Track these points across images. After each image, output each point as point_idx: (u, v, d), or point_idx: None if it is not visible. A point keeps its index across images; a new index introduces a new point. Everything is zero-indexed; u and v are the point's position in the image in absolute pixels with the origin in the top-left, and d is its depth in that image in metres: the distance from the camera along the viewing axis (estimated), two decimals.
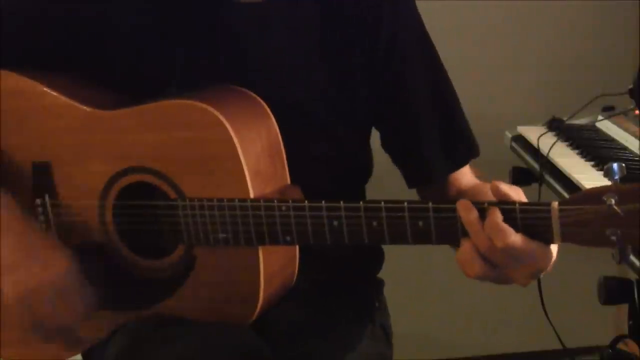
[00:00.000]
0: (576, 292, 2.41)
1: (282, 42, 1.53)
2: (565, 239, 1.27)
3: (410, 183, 1.63)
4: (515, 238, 1.27)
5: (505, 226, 1.27)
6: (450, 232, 1.31)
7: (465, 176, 1.63)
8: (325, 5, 1.54)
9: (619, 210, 1.23)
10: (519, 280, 1.32)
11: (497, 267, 1.30)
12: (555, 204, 1.27)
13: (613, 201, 1.23)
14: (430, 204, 1.32)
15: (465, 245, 1.30)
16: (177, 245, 1.46)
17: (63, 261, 1.44)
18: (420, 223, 1.32)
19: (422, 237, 1.33)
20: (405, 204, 1.33)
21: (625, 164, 1.92)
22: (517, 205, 1.28)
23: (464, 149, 1.63)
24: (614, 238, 1.24)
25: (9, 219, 1.45)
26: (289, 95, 1.52)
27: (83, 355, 1.64)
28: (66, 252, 1.45)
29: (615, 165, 1.26)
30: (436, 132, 1.60)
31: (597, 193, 1.25)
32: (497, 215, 1.28)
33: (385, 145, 1.63)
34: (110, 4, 1.52)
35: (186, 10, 1.52)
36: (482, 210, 1.29)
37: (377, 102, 1.57)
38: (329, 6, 1.54)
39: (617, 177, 1.26)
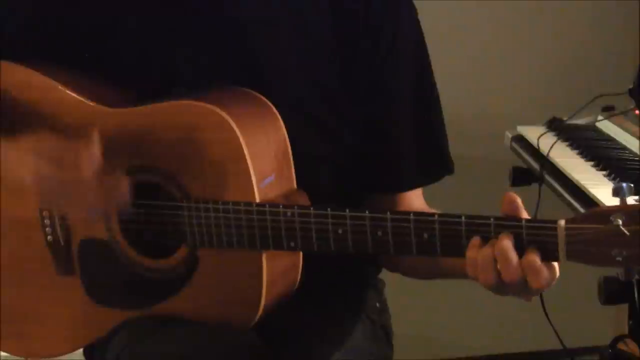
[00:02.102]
0: (576, 292, 2.40)
1: (288, 40, 1.53)
2: (571, 257, 1.27)
3: (372, 188, 1.59)
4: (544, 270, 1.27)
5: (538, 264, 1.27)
6: (456, 245, 1.31)
7: (419, 199, 1.62)
8: (332, 3, 1.53)
9: (625, 232, 1.23)
10: (523, 296, 1.33)
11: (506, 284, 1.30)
12: (562, 222, 1.27)
13: (620, 222, 1.23)
14: (436, 216, 1.32)
15: (488, 250, 1.30)
16: (181, 246, 1.45)
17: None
18: (425, 234, 1.32)
19: (427, 249, 1.33)
20: (411, 215, 1.33)
21: (625, 164, 1.94)
22: (523, 222, 1.28)
23: (437, 165, 1.61)
24: (619, 259, 1.24)
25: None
26: (293, 94, 1.52)
27: (84, 354, 1.64)
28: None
29: (624, 185, 1.26)
30: (413, 143, 1.58)
31: (605, 213, 1.25)
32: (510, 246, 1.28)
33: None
34: (115, 1, 1.51)
35: (190, 7, 1.51)
36: (488, 232, 1.29)
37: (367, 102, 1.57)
38: (336, 7, 1.53)
39: (626, 197, 1.26)
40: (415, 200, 1.61)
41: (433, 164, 1.61)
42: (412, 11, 1.58)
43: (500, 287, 1.31)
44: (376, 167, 1.58)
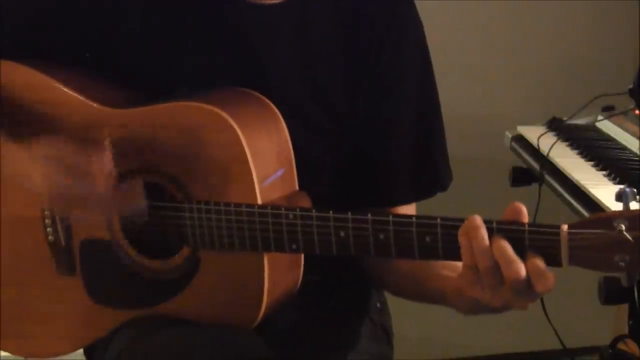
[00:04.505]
0: (576, 292, 2.41)
1: (290, 46, 1.52)
2: (573, 262, 1.26)
3: (362, 202, 1.53)
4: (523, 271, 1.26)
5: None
6: (458, 248, 1.29)
7: (411, 213, 1.59)
8: (337, 13, 1.53)
9: (629, 237, 1.22)
10: (518, 305, 1.32)
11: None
12: (564, 227, 1.25)
13: (623, 227, 1.22)
14: (438, 220, 1.31)
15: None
16: (183, 247, 1.46)
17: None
18: (428, 238, 1.31)
19: (428, 253, 1.32)
20: (414, 218, 1.32)
21: (625, 164, 1.94)
22: (525, 226, 1.27)
23: (430, 181, 1.59)
24: (622, 264, 1.23)
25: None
26: (294, 97, 1.52)
27: (85, 354, 1.64)
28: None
29: (628, 190, 1.25)
30: (409, 159, 1.57)
31: (608, 218, 1.23)
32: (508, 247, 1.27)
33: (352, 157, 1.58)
34: (117, 2, 1.52)
35: (194, 9, 1.51)
36: (490, 230, 1.28)
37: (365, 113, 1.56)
38: (340, 15, 1.53)
39: (629, 202, 1.25)
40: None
41: (426, 180, 1.59)
42: (419, 31, 1.56)
43: (499, 296, 1.29)
44: (370, 179, 1.57)
